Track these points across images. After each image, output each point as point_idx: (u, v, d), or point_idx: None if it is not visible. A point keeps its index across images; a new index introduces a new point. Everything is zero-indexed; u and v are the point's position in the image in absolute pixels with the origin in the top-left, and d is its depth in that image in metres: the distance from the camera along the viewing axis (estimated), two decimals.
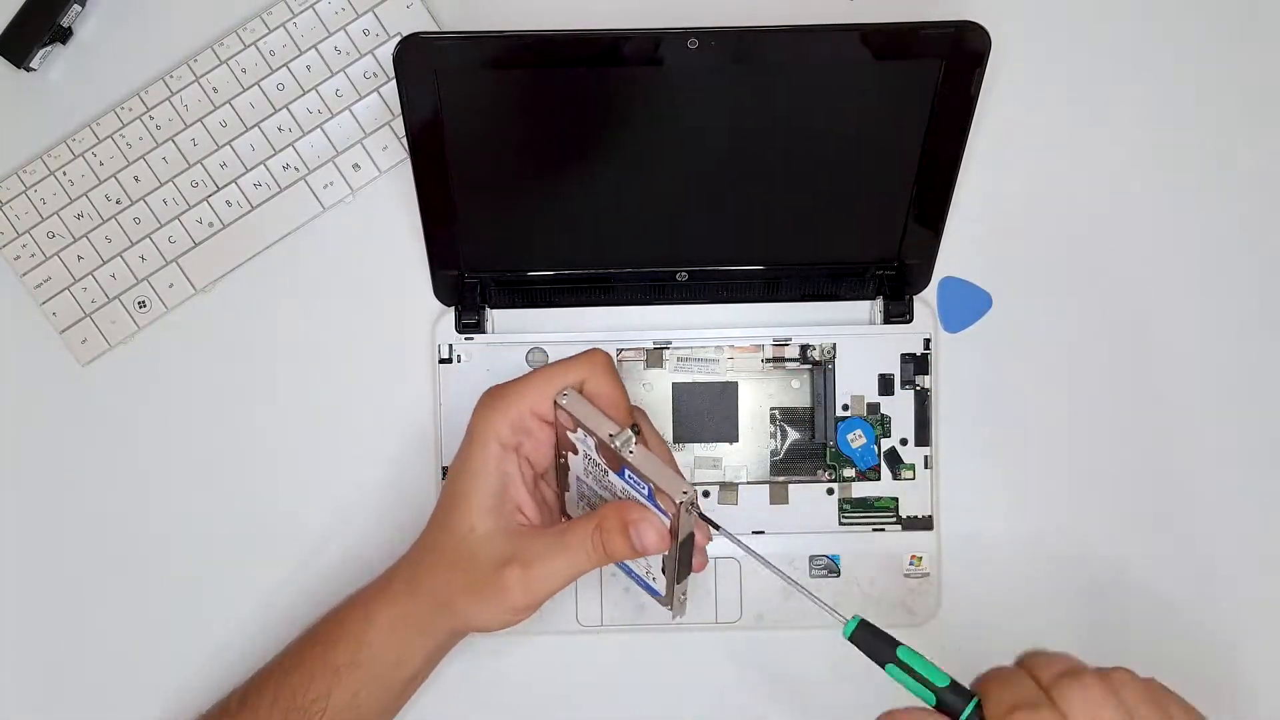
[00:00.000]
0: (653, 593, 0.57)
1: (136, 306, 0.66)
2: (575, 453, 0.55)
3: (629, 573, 0.58)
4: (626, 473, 0.52)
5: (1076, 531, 0.67)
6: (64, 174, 0.66)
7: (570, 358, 0.56)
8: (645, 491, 0.52)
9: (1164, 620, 0.67)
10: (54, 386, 0.67)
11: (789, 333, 0.66)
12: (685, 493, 0.51)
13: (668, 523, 0.52)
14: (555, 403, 0.54)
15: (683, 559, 0.54)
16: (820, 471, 0.66)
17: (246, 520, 0.66)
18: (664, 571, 0.55)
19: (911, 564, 0.65)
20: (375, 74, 0.66)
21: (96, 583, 0.66)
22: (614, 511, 0.53)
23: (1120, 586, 0.67)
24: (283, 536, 0.66)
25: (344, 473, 0.67)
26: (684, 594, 0.56)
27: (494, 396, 0.56)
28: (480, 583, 0.54)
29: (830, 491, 0.66)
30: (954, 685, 0.49)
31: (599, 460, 0.54)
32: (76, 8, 0.66)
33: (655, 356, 0.66)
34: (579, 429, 0.54)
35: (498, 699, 0.66)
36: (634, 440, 0.52)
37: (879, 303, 0.66)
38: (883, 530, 0.66)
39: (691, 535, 0.53)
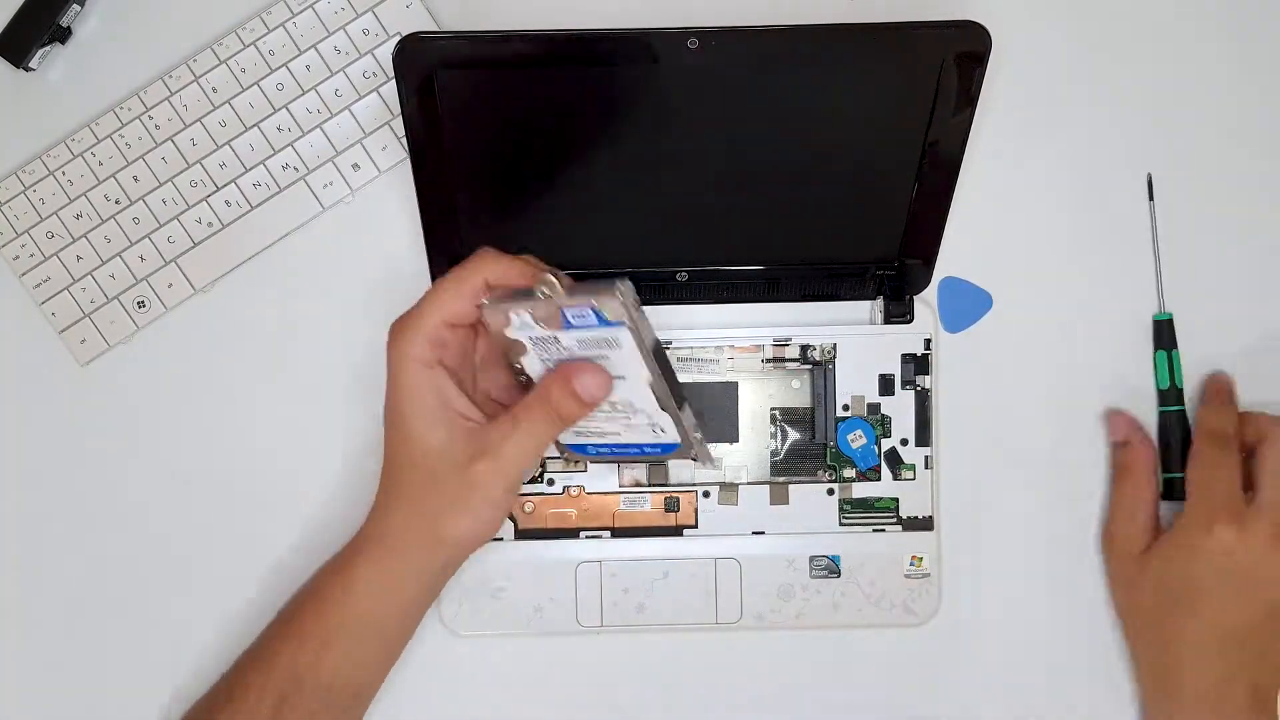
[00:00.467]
0: (667, 450, 0.56)
1: (136, 306, 0.66)
2: (526, 352, 0.55)
3: (633, 451, 0.57)
4: (570, 315, 0.51)
5: (1077, 531, 0.66)
6: (63, 174, 0.65)
7: (458, 265, 0.55)
8: (594, 319, 0.51)
9: None
10: (54, 386, 0.66)
11: (789, 333, 0.65)
12: (621, 290, 0.49)
13: (627, 347, 0.51)
14: (480, 314, 0.54)
15: (667, 376, 0.52)
16: (820, 472, 0.66)
17: (246, 520, 0.66)
18: (663, 408, 0.54)
19: (912, 564, 0.65)
20: (375, 74, 0.66)
21: (96, 581, 0.66)
22: (556, 373, 0.53)
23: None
24: (283, 537, 0.66)
25: (347, 474, 0.66)
26: (697, 431, 0.55)
27: (399, 324, 0.56)
28: (455, 493, 0.55)
29: (830, 492, 0.65)
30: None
31: (545, 333, 0.53)
32: (76, 7, 0.66)
33: None
34: (513, 316, 0.53)
35: (495, 700, 0.66)
36: (557, 281, 0.51)
37: (879, 303, 0.66)
38: (883, 531, 0.65)
39: (659, 344, 0.52)
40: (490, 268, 0.54)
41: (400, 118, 0.62)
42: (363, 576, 0.58)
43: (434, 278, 0.64)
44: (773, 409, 0.66)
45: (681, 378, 0.66)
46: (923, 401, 0.66)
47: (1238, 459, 0.61)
